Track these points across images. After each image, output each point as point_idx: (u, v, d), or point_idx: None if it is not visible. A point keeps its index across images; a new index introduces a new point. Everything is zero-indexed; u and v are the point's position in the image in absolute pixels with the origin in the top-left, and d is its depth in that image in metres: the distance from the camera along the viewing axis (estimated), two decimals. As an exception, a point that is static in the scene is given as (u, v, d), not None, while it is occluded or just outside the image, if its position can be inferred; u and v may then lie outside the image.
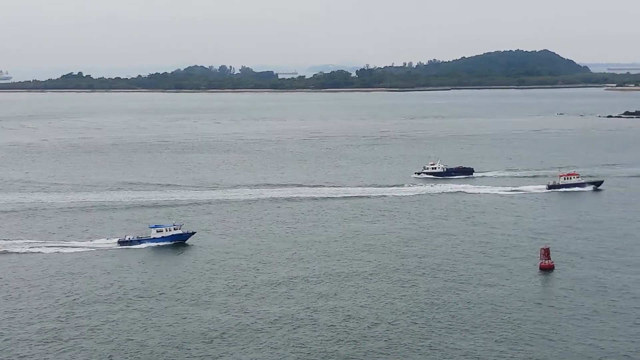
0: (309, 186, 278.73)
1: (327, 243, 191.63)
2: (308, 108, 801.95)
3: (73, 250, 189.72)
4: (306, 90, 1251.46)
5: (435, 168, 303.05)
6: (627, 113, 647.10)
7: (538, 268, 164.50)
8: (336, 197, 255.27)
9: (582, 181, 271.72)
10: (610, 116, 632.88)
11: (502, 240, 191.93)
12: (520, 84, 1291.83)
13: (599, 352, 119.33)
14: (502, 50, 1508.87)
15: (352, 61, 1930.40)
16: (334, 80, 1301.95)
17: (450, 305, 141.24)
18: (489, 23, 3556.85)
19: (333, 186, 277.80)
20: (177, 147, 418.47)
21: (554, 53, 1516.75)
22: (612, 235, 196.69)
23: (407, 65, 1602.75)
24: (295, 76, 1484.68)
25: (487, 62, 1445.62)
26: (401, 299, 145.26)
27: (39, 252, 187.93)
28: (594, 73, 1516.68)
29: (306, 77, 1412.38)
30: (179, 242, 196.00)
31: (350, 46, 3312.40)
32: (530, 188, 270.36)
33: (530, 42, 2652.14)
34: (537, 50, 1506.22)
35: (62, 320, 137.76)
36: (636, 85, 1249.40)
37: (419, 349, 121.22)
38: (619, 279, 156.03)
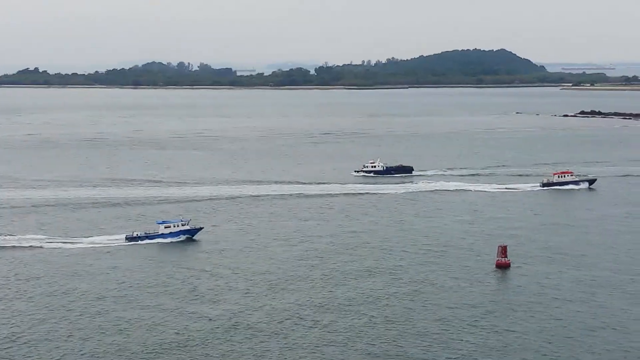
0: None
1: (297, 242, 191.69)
2: (267, 105, 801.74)
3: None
4: (265, 87, 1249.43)
5: (374, 166, 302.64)
6: (582, 112, 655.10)
7: (494, 265, 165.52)
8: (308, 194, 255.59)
9: (576, 179, 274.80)
10: (566, 115, 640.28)
11: (463, 238, 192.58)
12: (478, 82, 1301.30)
13: (549, 350, 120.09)
14: (460, 49, 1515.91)
15: (310, 59, 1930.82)
16: (292, 78, 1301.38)
17: (403, 301, 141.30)
18: (447, 22, 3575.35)
19: (292, 183, 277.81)
20: (139, 144, 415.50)
21: (511, 52, 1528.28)
22: (574, 235, 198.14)
23: (365, 63, 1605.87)
24: (253, 73, 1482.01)
25: (445, 61, 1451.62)
26: (358, 298, 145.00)
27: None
28: (551, 72, 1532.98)
29: (265, 75, 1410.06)
30: (187, 237, 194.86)
31: (309, 44, 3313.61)
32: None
33: (487, 42, 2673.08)
34: (494, 50, 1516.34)
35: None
36: (591, 85, 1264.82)
37: (371, 347, 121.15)
38: (572, 277, 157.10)
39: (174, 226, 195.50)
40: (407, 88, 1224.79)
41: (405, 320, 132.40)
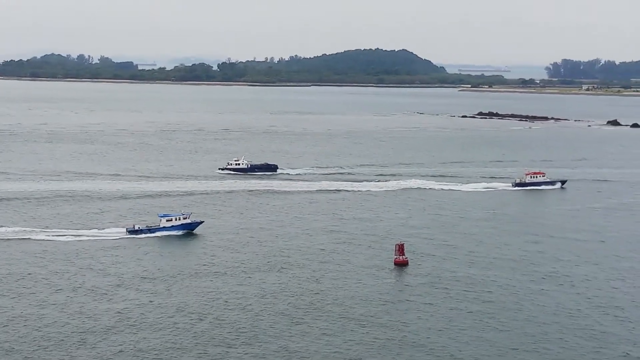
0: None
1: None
2: (168, 101, 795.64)
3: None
4: (167, 82, 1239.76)
5: (239, 164, 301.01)
6: (480, 114, 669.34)
7: (393, 264, 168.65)
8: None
9: (548, 179, 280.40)
10: (464, 116, 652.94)
11: (367, 236, 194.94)
12: (379, 82, 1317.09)
13: (438, 347, 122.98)
14: (362, 49, 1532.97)
15: (213, 54, 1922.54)
16: (195, 73, 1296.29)
17: (299, 299, 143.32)
18: (350, 21, 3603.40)
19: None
20: (44, 138, 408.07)
21: (412, 53, 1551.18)
22: (480, 234, 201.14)
23: (268, 60, 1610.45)
24: (155, 68, 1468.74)
25: (347, 60, 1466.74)
26: (255, 296, 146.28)
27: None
28: (450, 74, 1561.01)
29: (167, 69, 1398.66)
30: (188, 231, 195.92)
31: (211, 40, 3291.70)
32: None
33: (389, 42, 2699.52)
34: (396, 50, 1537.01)
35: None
36: (489, 86, 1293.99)
37: (267, 343, 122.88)
38: (468, 275, 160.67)
39: (175, 219, 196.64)
40: (309, 86, 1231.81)
41: (299, 317, 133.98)
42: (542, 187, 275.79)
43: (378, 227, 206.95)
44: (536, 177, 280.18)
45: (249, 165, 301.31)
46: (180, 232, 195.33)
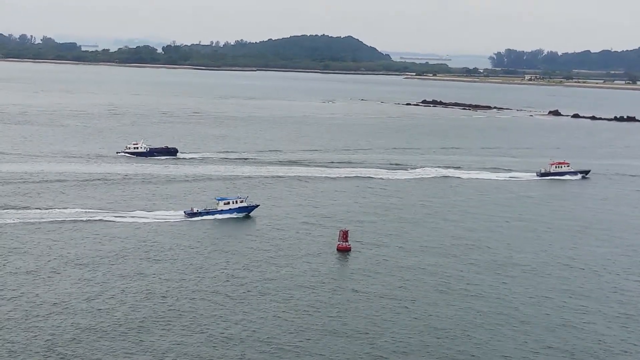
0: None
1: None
2: (114, 83, 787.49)
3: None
4: (110, 64, 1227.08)
5: (137, 147, 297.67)
6: (424, 102, 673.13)
7: (336, 250, 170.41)
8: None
9: (572, 170, 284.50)
10: (409, 104, 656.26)
11: (315, 223, 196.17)
12: (325, 68, 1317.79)
13: (373, 333, 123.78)
14: (308, 35, 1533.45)
15: (157, 37, 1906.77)
16: (139, 56, 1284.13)
17: (237, 283, 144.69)
18: (296, 7, 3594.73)
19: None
20: None
21: (357, 40, 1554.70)
22: (441, 223, 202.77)
23: (214, 44, 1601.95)
24: (97, 49, 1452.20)
25: (293, 46, 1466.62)
26: (191, 280, 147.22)
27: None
28: (395, 61, 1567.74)
29: (110, 51, 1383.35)
30: (244, 214, 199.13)
31: (155, 22, 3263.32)
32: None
33: (335, 28, 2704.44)
34: (341, 36, 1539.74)
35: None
36: (434, 75, 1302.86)
37: (196, 333, 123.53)
38: (408, 262, 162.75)
39: (233, 203, 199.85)
40: (255, 71, 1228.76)
41: (237, 302, 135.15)
42: (566, 177, 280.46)
43: (327, 213, 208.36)
44: (561, 167, 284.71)
45: (148, 149, 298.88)
46: (237, 215, 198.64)
